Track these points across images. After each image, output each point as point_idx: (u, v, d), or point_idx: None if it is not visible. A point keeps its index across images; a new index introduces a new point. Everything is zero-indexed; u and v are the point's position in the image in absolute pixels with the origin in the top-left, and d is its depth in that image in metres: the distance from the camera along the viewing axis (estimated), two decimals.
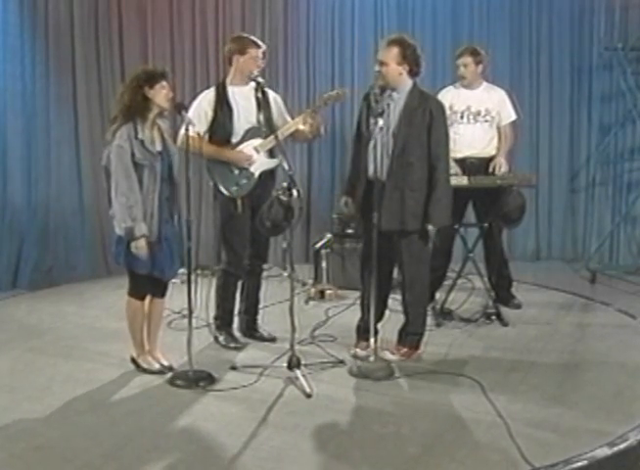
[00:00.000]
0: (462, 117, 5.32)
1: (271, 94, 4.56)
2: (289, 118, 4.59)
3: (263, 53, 4.42)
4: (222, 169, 4.38)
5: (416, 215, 4.06)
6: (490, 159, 5.34)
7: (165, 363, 4.09)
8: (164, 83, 3.87)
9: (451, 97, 5.29)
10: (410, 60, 4.06)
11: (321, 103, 4.52)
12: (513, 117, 5.45)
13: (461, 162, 5.23)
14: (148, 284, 3.99)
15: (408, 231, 4.09)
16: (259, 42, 4.44)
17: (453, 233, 5.21)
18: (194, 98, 4.55)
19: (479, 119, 5.32)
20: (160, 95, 3.85)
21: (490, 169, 5.26)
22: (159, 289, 4.07)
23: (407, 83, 4.11)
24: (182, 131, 4.06)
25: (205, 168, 4.44)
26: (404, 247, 4.15)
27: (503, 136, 5.40)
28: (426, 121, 4.04)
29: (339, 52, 7.37)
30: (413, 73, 4.11)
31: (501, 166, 5.26)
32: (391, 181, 4.05)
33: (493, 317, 5.05)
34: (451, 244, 5.36)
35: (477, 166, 5.26)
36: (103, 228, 6.50)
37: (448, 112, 5.24)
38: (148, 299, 4.08)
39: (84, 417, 3.51)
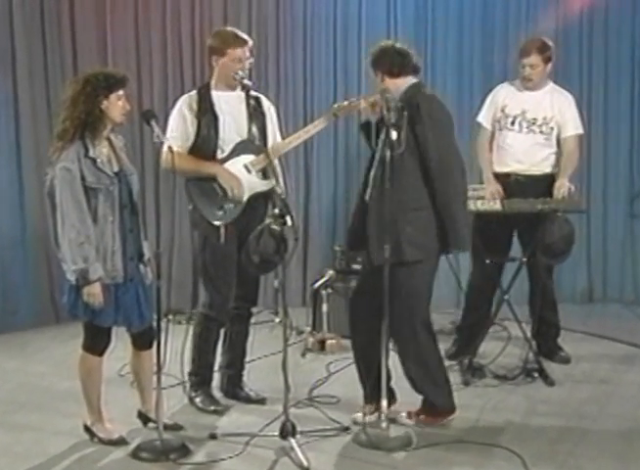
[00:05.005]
0: (513, 124, 5.34)
1: (265, 102, 4.65)
2: (279, 135, 4.68)
3: (250, 50, 4.46)
4: (205, 189, 4.42)
5: (413, 244, 4.12)
6: (543, 178, 5.32)
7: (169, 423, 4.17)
8: (121, 93, 3.93)
9: (504, 96, 5.32)
10: (381, 63, 4.29)
11: (329, 116, 4.59)
12: (579, 129, 5.41)
13: (504, 177, 5.28)
14: (107, 336, 4.00)
15: (403, 262, 4.11)
16: (244, 37, 4.47)
17: (492, 270, 5.26)
18: (173, 103, 4.62)
19: (533, 129, 5.32)
20: (115, 107, 3.91)
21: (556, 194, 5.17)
22: (140, 339, 4.10)
23: (398, 87, 4.24)
24: (164, 148, 4.09)
25: (185, 188, 4.50)
26: (393, 287, 4.10)
27: (566, 152, 5.31)
28: (410, 128, 4.12)
29: (342, 47, 7.40)
30: (394, 74, 4.27)
31: (561, 188, 5.14)
32: (381, 204, 4.11)
33: (535, 374, 5.07)
34: (495, 285, 5.34)
35: (522, 185, 5.29)
36: (50, 264, 6.51)
37: (499, 113, 5.31)
38: (131, 352, 4.14)
39: None
